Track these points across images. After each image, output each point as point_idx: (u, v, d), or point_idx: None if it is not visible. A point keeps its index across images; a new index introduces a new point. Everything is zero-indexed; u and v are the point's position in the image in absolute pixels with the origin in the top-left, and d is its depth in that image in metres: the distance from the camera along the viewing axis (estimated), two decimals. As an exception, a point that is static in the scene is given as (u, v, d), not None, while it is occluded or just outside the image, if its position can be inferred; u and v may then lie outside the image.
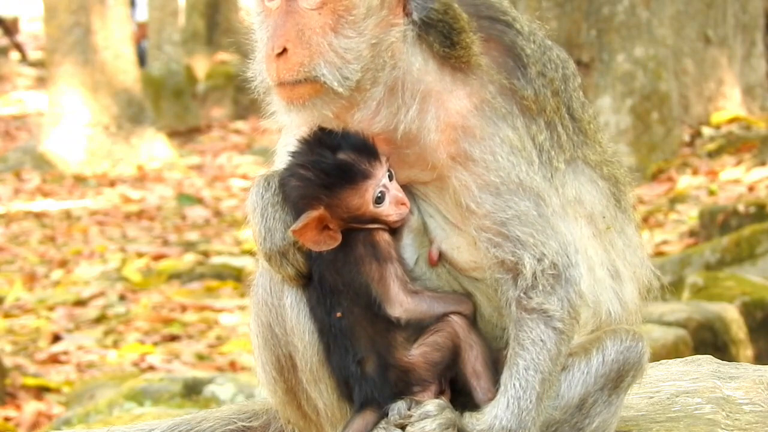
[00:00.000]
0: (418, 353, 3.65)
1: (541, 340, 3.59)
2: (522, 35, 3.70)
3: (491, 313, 3.73)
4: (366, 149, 3.64)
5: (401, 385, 3.66)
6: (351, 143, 3.64)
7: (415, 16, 3.62)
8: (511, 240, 3.59)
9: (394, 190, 3.68)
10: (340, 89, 3.57)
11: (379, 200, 3.66)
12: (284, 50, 3.57)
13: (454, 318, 3.68)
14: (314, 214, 3.62)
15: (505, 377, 3.59)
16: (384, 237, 3.67)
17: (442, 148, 3.62)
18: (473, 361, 3.67)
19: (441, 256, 3.72)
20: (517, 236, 3.59)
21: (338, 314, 3.69)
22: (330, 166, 3.64)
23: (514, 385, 3.57)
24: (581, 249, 3.70)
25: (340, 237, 3.66)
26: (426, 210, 3.71)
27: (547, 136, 3.68)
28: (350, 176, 3.63)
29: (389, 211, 3.67)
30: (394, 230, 3.72)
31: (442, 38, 3.63)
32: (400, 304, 3.63)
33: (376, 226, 3.68)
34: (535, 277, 3.59)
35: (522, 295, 3.60)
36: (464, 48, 3.62)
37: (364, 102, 3.62)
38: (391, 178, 3.68)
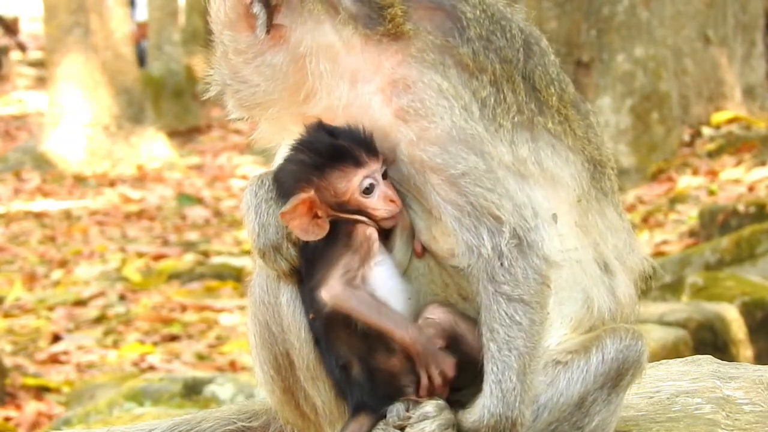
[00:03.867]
0: (404, 358, 3.62)
1: (509, 317, 3.55)
2: (466, 2, 3.71)
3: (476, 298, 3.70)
4: (365, 142, 3.64)
5: (391, 388, 3.62)
6: (351, 134, 3.65)
7: (332, 5, 3.66)
8: (469, 212, 3.56)
9: (385, 187, 3.67)
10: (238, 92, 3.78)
11: (367, 191, 3.65)
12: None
13: (435, 316, 3.65)
14: (303, 195, 3.62)
15: (484, 363, 3.57)
16: (365, 231, 3.64)
17: (384, 111, 3.64)
18: (474, 343, 3.64)
19: (424, 248, 3.72)
20: (472, 204, 3.56)
21: (311, 315, 3.67)
22: (324, 147, 3.65)
23: (492, 369, 3.55)
24: (542, 214, 3.66)
25: (327, 227, 3.64)
26: (406, 202, 3.71)
27: (491, 92, 3.65)
28: (342, 159, 3.64)
29: (377, 205, 3.65)
30: (387, 233, 3.70)
31: (367, 18, 3.66)
32: (330, 290, 3.58)
33: (362, 218, 3.66)
34: (498, 255, 3.57)
35: (484, 275, 3.57)
36: (391, 20, 3.65)
37: (289, 99, 3.72)
38: (385, 177, 3.68)
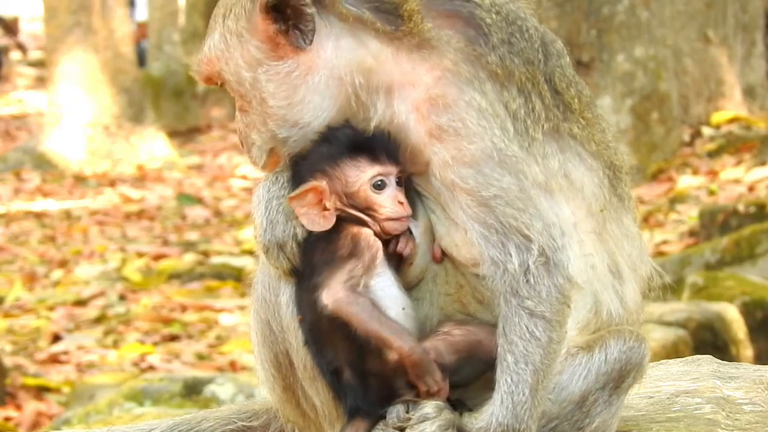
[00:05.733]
0: (397, 363, 3.59)
1: (529, 332, 3.55)
2: (481, 7, 3.66)
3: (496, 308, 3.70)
4: (387, 146, 3.62)
5: (384, 391, 3.60)
6: (377, 136, 3.63)
7: (351, 15, 3.61)
8: (497, 229, 3.56)
9: (397, 191, 3.65)
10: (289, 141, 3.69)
11: (378, 187, 3.63)
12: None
13: (448, 329, 3.64)
14: (315, 183, 3.61)
15: (497, 374, 3.57)
16: (369, 238, 3.62)
17: (418, 129, 3.60)
18: (487, 345, 3.64)
19: (443, 252, 3.71)
20: (501, 222, 3.55)
21: (299, 317, 3.66)
22: (344, 138, 3.63)
23: (506, 380, 3.55)
24: (572, 234, 3.66)
25: (333, 220, 3.62)
26: (428, 205, 3.71)
27: (521, 104, 3.62)
28: (359, 151, 3.62)
29: (385, 203, 3.63)
30: (399, 263, 3.67)
31: (385, 19, 3.61)
32: (332, 293, 3.56)
33: (367, 218, 3.64)
34: (524, 271, 3.57)
35: (508, 288, 3.57)
36: (410, 18, 3.60)
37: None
38: (399, 184, 3.66)
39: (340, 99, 3.65)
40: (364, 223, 3.65)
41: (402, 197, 3.65)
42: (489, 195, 3.57)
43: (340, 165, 3.63)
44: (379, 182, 3.63)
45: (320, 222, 3.63)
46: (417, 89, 3.61)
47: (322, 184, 3.62)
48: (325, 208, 3.63)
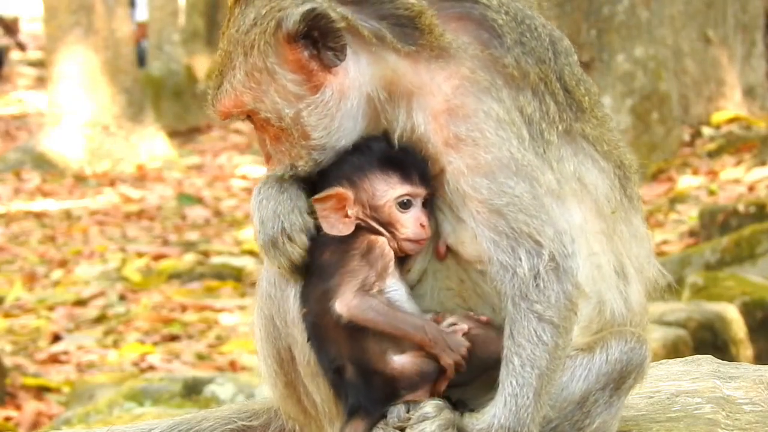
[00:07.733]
0: (407, 361, 3.61)
1: (537, 336, 3.56)
2: (491, 8, 3.64)
3: (499, 305, 3.70)
4: (419, 167, 3.63)
5: (388, 390, 3.61)
6: (410, 155, 3.64)
7: (367, 31, 3.59)
8: (508, 235, 3.57)
9: (421, 213, 3.66)
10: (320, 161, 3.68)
11: (404, 205, 3.64)
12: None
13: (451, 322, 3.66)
14: (340, 189, 3.63)
15: (502, 375, 3.57)
16: (384, 248, 3.63)
17: (436, 137, 3.60)
18: (486, 346, 3.65)
19: (448, 249, 3.71)
20: (513, 228, 3.56)
21: (305, 310, 3.67)
22: (378, 151, 3.64)
23: (510, 383, 3.56)
24: (580, 235, 3.66)
25: (352, 228, 3.64)
26: (435, 203, 3.71)
27: (536, 107, 3.62)
28: (391, 167, 3.63)
29: (407, 223, 3.64)
30: (402, 259, 3.68)
31: (403, 33, 3.60)
32: (346, 302, 3.58)
33: (386, 233, 3.66)
34: (533, 275, 3.58)
35: (517, 292, 3.58)
36: (428, 31, 3.59)
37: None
38: (425, 206, 3.66)
39: (369, 115, 3.66)
40: (381, 234, 3.66)
41: (425, 220, 3.66)
42: (502, 203, 3.57)
43: (369, 177, 3.64)
44: (406, 201, 3.64)
45: (339, 227, 3.64)
46: (436, 98, 3.60)
47: (348, 192, 3.63)
48: (347, 215, 3.65)
